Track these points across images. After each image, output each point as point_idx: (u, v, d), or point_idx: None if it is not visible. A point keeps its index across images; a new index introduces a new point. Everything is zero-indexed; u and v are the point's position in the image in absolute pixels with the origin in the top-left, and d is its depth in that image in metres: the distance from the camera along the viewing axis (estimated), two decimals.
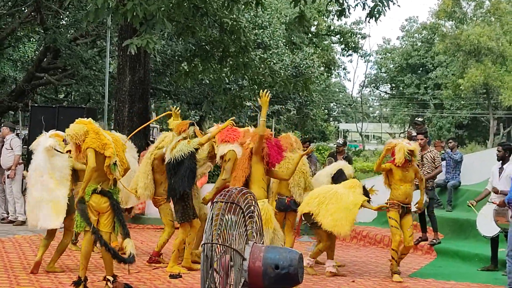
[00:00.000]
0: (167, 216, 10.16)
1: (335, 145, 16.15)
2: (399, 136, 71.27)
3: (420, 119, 16.83)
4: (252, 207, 5.65)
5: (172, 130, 10.09)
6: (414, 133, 15.31)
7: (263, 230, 6.19)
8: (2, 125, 14.97)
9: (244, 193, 5.62)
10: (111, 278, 8.10)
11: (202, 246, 5.15)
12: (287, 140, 10.48)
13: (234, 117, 10.16)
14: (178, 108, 10.48)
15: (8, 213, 14.40)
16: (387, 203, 10.14)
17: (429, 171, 12.68)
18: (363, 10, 15.27)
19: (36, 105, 20.56)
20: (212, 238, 5.11)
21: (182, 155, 9.27)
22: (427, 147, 13.16)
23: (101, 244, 7.89)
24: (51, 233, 9.31)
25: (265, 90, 9.00)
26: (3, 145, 14.22)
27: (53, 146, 9.00)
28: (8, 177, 14.01)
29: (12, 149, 14.02)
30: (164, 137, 10.33)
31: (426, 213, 12.67)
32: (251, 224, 5.62)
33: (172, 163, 9.33)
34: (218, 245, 5.19)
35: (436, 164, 12.83)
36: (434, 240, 12.69)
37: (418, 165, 11.88)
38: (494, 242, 10.95)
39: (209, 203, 9.41)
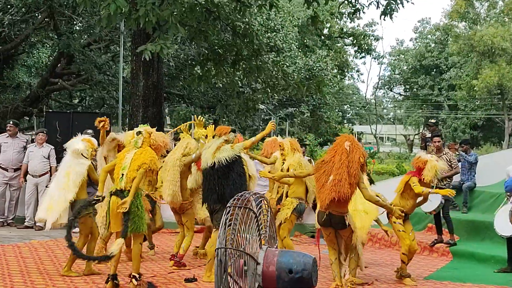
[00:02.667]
0: (192, 220, 10.34)
1: None
2: (414, 137, 71.16)
3: (432, 120, 16.75)
4: (265, 212, 5.65)
5: (197, 139, 10.12)
6: (428, 135, 15.28)
7: (276, 235, 6.20)
8: (38, 130, 15.11)
9: (257, 197, 5.62)
10: (136, 275, 8.37)
11: (216, 250, 5.15)
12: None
13: (274, 122, 10.03)
14: (202, 118, 10.46)
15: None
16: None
17: (445, 173, 12.60)
18: (377, 9, 15.28)
19: (50, 110, 20.66)
20: (226, 243, 5.11)
21: (227, 159, 9.04)
22: (443, 149, 13.12)
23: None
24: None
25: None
26: (24, 147, 14.49)
27: (81, 152, 9.12)
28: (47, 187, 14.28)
29: (48, 159, 14.21)
30: (187, 143, 10.34)
31: (441, 215, 12.62)
32: (264, 228, 5.62)
33: (217, 167, 9.06)
34: (232, 250, 5.20)
35: (453, 165, 12.78)
36: (450, 241, 12.63)
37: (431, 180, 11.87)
38: (511, 243, 10.88)
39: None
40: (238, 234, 5.22)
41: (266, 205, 5.76)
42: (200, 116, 10.53)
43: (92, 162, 9.60)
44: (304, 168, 10.20)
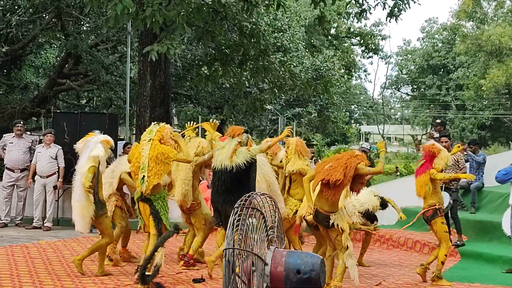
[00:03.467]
0: (201, 221, 10.34)
1: (361, 150, 15.99)
2: (421, 137, 71.04)
3: (438, 120, 16.71)
4: (273, 212, 5.65)
5: (209, 139, 10.12)
6: (436, 135, 15.22)
7: (284, 235, 6.20)
8: (45, 131, 15.14)
9: (265, 198, 5.62)
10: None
11: (224, 251, 5.15)
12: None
13: (290, 127, 10.02)
14: (215, 120, 10.45)
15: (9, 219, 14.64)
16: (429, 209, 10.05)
17: (453, 173, 12.57)
18: (383, 9, 15.25)
19: (58, 111, 20.69)
20: (234, 243, 5.11)
21: (245, 163, 9.03)
22: (451, 149, 13.02)
23: None
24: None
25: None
26: (30, 147, 14.55)
27: (100, 158, 9.04)
28: (55, 187, 14.45)
29: (56, 159, 14.24)
30: (198, 142, 10.37)
31: (449, 215, 12.59)
32: (272, 229, 5.62)
33: (235, 171, 9.02)
34: (240, 251, 5.20)
35: (460, 166, 12.73)
36: (458, 242, 12.60)
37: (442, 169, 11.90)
38: None
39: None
40: (246, 235, 5.22)
41: (274, 206, 5.76)
42: (214, 119, 10.52)
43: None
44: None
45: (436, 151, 10.03)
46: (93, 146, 9.16)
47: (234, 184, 9.03)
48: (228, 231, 5.05)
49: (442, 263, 9.93)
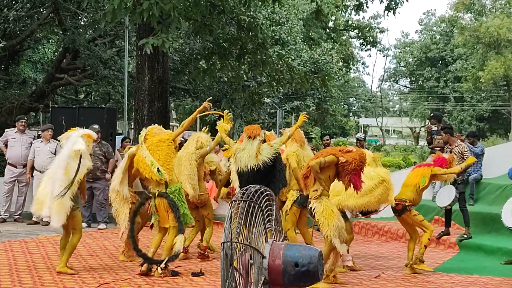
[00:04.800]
0: (212, 212, 10.72)
1: (356, 139, 16.08)
2: (420, 130, 71.11)
3: (431, 114, 16.70)
4: (270, 206, 5.66)
5: (221, 132, 10.24)
6: (434, 128, 15.23)
7: (282, 228, 6.21)
8: (45, 126, 15.08)
9: (262, 191, 5.62)
10: (163, 265, 8.92)
11: (221, 244, 5.17)
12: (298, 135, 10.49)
13: (305, 113, 10.16)
14: (229, 113, 10.51)
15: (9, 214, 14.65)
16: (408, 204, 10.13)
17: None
18: (380, 3, 15.24)
19: (56, 106, 20.67)
20: (232, 236, 5.13)
21: (271, 159, 9.20)
22: (455, 141, 12.90)
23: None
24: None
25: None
26: (31, 143, 14.49)
27: (82, 152, 8.99)
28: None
29: (55, 154, 14.19)
30: (197, 137, 10.43)
31: (452, 208, 12.62)
32: (270, 222, 5.63)
33: (262, 169, 9.18)
34: (238, 244, 5.22)
35: (465, 158, 12.60)
36: (465, 235, 12.49)
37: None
38: None
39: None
40: (244, 228, 5.23)
41: (272, 199, 5.77)
42: (228, 112, 10.56)
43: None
44: (300, 161, 10.18)
45: (447, 164, 10.21)
46: (74, 140, 9.10)
47: (263, 182, 8.85)
48: (226, 225, 5.07)
49: (425, 247, 10.11)
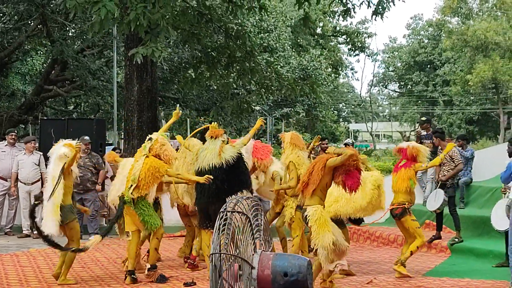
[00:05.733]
0: None
1: (344, 144, 16.05)
2: (410, 134, 71.28)
3: (423, 118, 16.72)
4: (259, 216, 5.66)
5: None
6: (423, 133, 15.27)
7: (271, 238, 6.22)
8: (28, 138, 15.06)
9: (251, 201, 5.63)
10: (148, 266, 9.35)
11: (210, 256, 5.17)
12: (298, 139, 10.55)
13: (262, 118, 10.34)
14: (216, 123, 10.60)
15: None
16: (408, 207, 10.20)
17: (449, 170, 12.57)
18: (368, 8, 15.26)
19: (45, 118, 20.65)
20: (220, 247, 5.13)
21: (234, 158, 9.32)
22: (445, 145, 12.88)
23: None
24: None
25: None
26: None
27: (66, 154, 9.10)
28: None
29: (39, 165, 14.17)
30: (193, 145, 10.46)
31: (443, 212, 12.64)
32: (258, 232, 5.63)
33: (224, 167, 9.28)
34: (226, 255, 5.22)
35: (455, 162, 12.61)
36: (456, 239, 12.51)
37: (439, 164, 12.12)
38: (508, 236, 10.90)
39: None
40: (232, 239, 5.24)
41: (260, 208, 5.77)
42: (214, 122, 10.62)
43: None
44: (301, 165, 10.21)
45: (415, 152, 10.21)
46: (58, 148, 9.32)
47: (225, 181, 9.25)
48: (214, 236, 5.07)
49: (412, 253, 10.16)
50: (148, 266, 9.31)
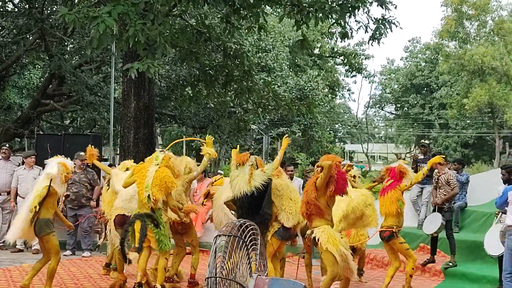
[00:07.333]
0: (196, 238, 10.72)
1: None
2: (405, 156, 71.30)
3: (426, 141, 16.72)
4: (255, 240, 5.65)
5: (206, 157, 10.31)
6: (420, 156, 15.29)
7: (266, 263, 6.20)
8: (28, 153, 15.06)
9: (247, 225, 5.62)
10: (159, 286, 9.20)
11: (206, 280, 5.15)
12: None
13: (287, 135, 10.28)
14: (211, 137, 10.60)
15: None
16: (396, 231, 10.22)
17: (445, 193, 12.57)
18: (365, 33, 15.31)
19: (42, 133, 20.65)
20: (216, 271, 5.11)
21: (263, 184, 9.21)
22: (443, 168, 12.88)
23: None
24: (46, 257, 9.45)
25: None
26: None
27: (54, 177, 9.16)
28: None
29: None
30: (185, 163, 10.44)
31: (438, 236, 12.63)
32: (254, 256, 5.61)
33: (256, 194, 9.18)
34: (222, 279, 5.19)
35: (451, 186, 12.60)
36: (450, 263, 12.49)
37: (435, 187, 12.15)
38: (502, 261, 10.89)
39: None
40: (228, 263, 5.22)
41: (257, 233, 5.76)
42: (209, 135, 10.65)
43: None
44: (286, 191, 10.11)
45: (405, 171, 10.25)
46: (50, 165, 9.40)
47: (251, 209, 9.19)
48: (210, 259, 5.05)
49: (411, 276, 10.30)
50: (159, 286, 9.19)
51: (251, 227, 5.63)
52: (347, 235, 10.76)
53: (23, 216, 9.17)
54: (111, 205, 10.46)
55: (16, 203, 14.26)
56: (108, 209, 10.81)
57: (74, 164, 11.47)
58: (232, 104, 22.97)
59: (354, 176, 10.74)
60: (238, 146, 10.37)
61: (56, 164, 9.38)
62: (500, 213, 10.68)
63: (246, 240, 5.46)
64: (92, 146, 11.26)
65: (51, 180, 9.17)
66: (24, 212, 9.22)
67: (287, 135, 10.16)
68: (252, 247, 5.59)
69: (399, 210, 10.19)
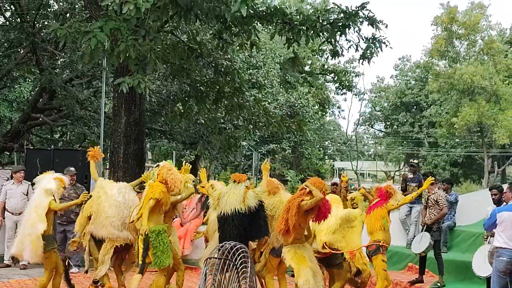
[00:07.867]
0: (178, 256, 10.58)
1: (332, 184, 15.95)
2: (394, 174, 71.42)
3: (415, 161, 16.76)
4: (245, 263, 5.66)
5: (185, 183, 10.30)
6: (410, 176, 15.32)
7: (256, 285, 6.23)
8: (16, 168, 15.02)
9: (237, 248, 5.62)
10: None
11: None
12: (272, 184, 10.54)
13: (267, 161, 10.55)
14: (189, 164, 10.69)
15: None
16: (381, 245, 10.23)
17: (435, 214, 12.59)
18: (356, 52, 15.36)
19: (31, 147, 20.56)
20: None
21: (256, 205, 9.41)
22: (432, 188, 12.90)
23: None
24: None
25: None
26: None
27: (53, 192, 9.21)
28: None
29: (27, 195, 14.06)
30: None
31: (427, 256, 12.63)
32: (244, 279, 5.62)
33: (248, 214, 9.33)
34: None
35: (440, 206, 12.62)
36: (438, 284, 12.49)
37: (424, 207, 12.20)
38: (490, 283, 10.89)
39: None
40: (218, 285, 5.22)
41: (247, 256, 5.77)
42: (187, 163, 10.74)
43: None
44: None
45: (392, 192, 10.32)
46: (47, 181, 9.45)
47: (248, 226, 9.30)
48: (200, 282, 5.05)
49: None
50: None
51: (242, 249, 5.63)
52: (351, 258, 10.78)
53: (33, 236, 9.14)
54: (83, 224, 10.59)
55: (3, 218, 14.18)
56: (80, 228, 10.88)
57: None
58: (222, 120, 22.97)
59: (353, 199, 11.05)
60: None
61: (53, 180, 9.41)
62: (489, 236, 10.71)
63: (236, 263, 5.46)
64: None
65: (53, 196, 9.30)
66: (30, 233, 9.17)
67: (266, 160, 10.39)
68: (243, 270, 5.59)
69: (383, 227, 10.22)
